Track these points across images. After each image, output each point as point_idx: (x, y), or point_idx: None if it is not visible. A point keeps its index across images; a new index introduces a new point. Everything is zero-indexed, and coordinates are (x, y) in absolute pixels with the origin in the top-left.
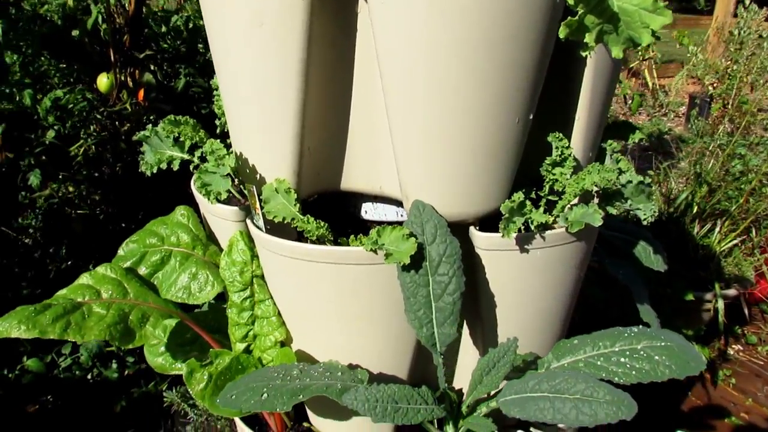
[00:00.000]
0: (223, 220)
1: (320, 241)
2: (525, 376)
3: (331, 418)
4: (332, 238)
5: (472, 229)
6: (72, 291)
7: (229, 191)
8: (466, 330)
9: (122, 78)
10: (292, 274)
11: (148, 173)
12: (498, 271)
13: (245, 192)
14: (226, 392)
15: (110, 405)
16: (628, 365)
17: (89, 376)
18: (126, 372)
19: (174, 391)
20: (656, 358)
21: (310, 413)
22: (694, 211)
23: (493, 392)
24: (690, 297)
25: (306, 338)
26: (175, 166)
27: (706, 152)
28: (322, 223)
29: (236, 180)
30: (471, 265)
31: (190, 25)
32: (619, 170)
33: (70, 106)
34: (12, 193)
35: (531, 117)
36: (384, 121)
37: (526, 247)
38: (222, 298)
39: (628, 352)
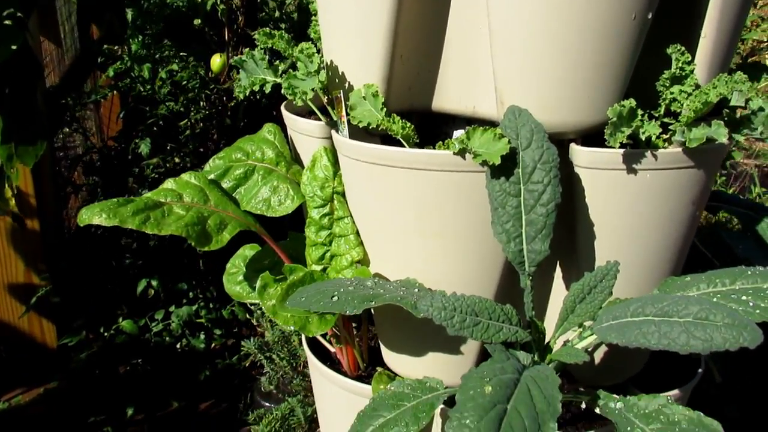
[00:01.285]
0: (307, 137)
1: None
2: (626, 301)
3: (406, 354)
4: (418, 141)
5: (573, 145)
6: (155, 193)
7: (315, 99)
8: (558, 274)
9: (233, 56)
10: (372, 182)
11: (241, 96)
12: (600, 195)
13: (332, 107)
14: (297, 295)
15: (195, 373)
16: (751, 303)
17: (178, 345)
18: (213, 345)
19: (252, 341)
20: None
21: (384, 352)
22: None
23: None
24: None
25: (383, 260)
26: (267, 89)
27: None
28: (408, 124)
29: (324, 94)
30: (569, 190)
31: (303, 6)
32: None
33: (184, 82)
34: (123, 159)
35: (650, 17)
36: (484, 32)
37: (634, 166)
38: (302, 226)
39: (751, 291)
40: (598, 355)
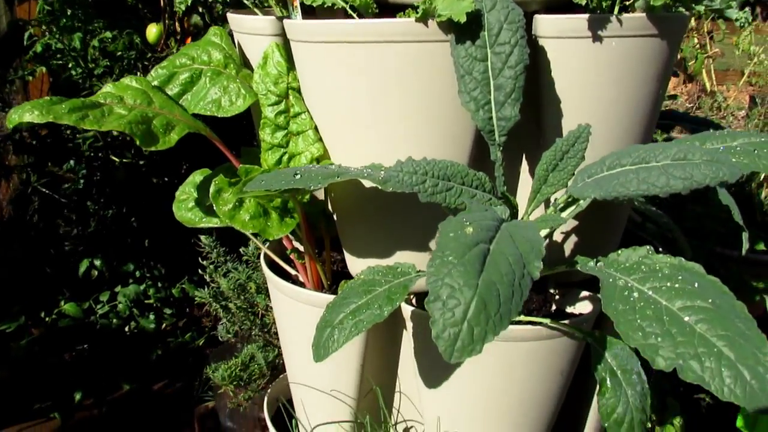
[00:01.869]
0: (257, 36)
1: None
2: (599, 160)
3: (374, 258)
4: (377, 12)
5: (536, 15)
6: (93, 97)
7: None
8: (526, 162)
9: (171, 26)
10: (328, 67)
11: (183, 8)
12: (565, 66)
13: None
14: (256, 180)
15: (146, 355)
16: None
17: (127, 329)
18: (164, 325)
19: (206, 290)
20: (756, 152)
21: (350, 261)
22: (761, 176)
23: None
24: (761, 247)
25: (346, 153)
26: None
27: None
28: None
29: None
30: (533, 65)
31: None
32: None
33: (119, 53)
34: (57, 136)
35: None
36: None
37: (599, 33)
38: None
39: (722, 149)
40: (571, 236)
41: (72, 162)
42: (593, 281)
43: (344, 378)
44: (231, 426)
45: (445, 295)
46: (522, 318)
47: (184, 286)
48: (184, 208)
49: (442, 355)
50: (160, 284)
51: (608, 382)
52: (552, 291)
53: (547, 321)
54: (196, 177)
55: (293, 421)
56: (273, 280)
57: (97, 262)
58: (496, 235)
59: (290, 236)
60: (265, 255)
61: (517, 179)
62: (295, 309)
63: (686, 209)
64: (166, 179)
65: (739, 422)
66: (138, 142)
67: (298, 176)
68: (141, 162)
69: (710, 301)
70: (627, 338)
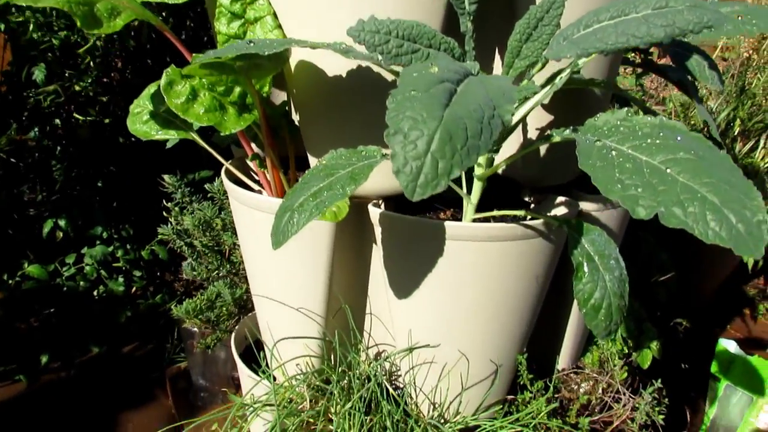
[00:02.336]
0: None
1: None
2: (576, 20)
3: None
4: None
5: None
6: None
7: None
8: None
9: None
10: None
11: None
12: None
13: None
14: (206, 54)
15: (115, 317)
16: None
17: (96, 293)
18: (134, 288)
19: (169, 226)
20: (741, 18)
21: (312, 162)
22: (736, 130)
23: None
24: None
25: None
26: None
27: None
28: None
29: None
30: None
31: None
32: None
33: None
34: (17, 92)
35: None
36: None
37: None
38: None
39: None
40: (544, 147)
41: (36, 131)
42: (570, 187)
43: (311, 295)
44: (203, 384)
45: (407, 127)
46: (495, 212)
47: (154, 248)
48: (139, 122)
49: (404, 191)
50: (128, 246)
51: (585, 266)
52: (527, 199)
53: (521, 212)
54: (151, 89)
55: (261, 353)
56: (232, 190)
57: (62, 223)
58: (465, 79)
59: (252, 143)
60: (227, 170)
61: (489, 60)
62: (256, 220)
63: None
64: (133, 139)
65: (714, 367)
66: (79, 24)
67: (252, 44)
68: (106, 120)
69: (693, 152)
70: (606, 191)
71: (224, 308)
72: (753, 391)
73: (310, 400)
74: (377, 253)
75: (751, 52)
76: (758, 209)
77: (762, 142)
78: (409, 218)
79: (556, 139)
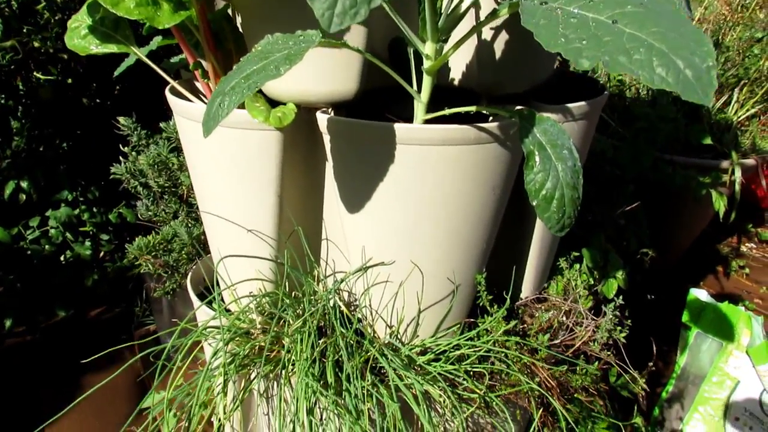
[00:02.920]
0: None
1: None
2: None
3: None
4: None
5: None
6: None
7: None
8: None
9: None
10: None
11: None
12: None
13: None
14: None
15: (82, 281)
16: None
17: (63, 258)
18: (101, 253)
19: (123, 165)
20: None
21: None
22: None
23: None
24: (708, 141)
25: None
26: None
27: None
28: None
29: None
30: None
31: None
32: None
33: None
34: None
35: None
36: None
37: None
38: None
39: None
40: (498, 48)
41: None
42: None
43: (261, 215)
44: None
45: None
46: (446, 111)
47: (121, 211)
48: (77, 36)
49: (320, 23)
50: (95, 209)
51: (536, 156)
52: (485, 112)
53: (472, 108)
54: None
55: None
56: (174, 104)
57: (24, 185)
58: None
59: (193, 50)
60: (172, 89)
61: None
62: (198, 133)
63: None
64: (98, 101)
65: (685, 317)
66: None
67: None
68: (69, 80)
69: (643, 5)
70: (548, 45)
71: (183, 252)
72: (723, 337)
73: (264, 327)
74: (330, 172)
75: (726, 9)
76: (708, 55)
77: (735, 95)
78: (356, 121)
79: (503, 12)
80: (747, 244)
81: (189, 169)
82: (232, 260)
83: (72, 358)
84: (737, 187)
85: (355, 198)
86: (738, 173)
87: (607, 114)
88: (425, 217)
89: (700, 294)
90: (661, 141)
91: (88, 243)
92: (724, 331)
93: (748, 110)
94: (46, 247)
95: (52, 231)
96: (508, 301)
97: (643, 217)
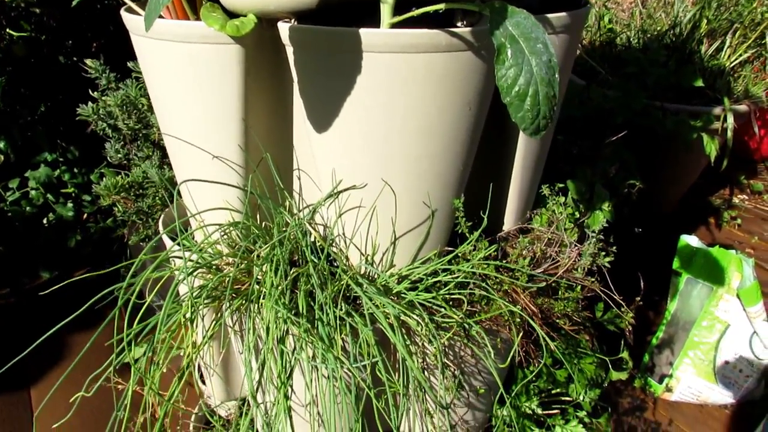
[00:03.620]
0: None
1: None
2: None
3: None
4: None
5: None
6: None
7: None
8: None
9: None
10: None
11: None
12: None
13: None
14: None
15: (65, 242)
16: None
17: (45, 220)
18: (84, 214)
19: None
20: None
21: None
22: (702, 31)
23: None
24: (699, 83)
25: None
26: None
27: None
28: None
29: None
30: None
31: None
32: None
33: None
34: None
35: None
36: None
37: None
38: None
39: None
40: None
41: None
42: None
43: (225, 139)
44: (157, 302)
45: None
46: (414, 12)
47: (103, 171)
48: None
49: None
50: (76, 170)
51: (508, 49)
52: (460, 24)
53: (441, 6)
54: None
55: (188, 229)
56: (128, 20)
57: (1, 144)
58: None
59: None
60: (128, 9)
61: None
62: (158, 53)
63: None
64: (75, 59)
65: (675, 263)
66: None
67: None
68: (43, 37)
69: None
70: None
71: (157, 198)
72: (713, 281)
73: (233, 260)
74: (297, 90)
75: None
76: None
77: (728, 40)
78: (317, 28)
79: None
80: (739, 196)
81: (149, 93)
82: (198, 192)
83: (57, 320)
84: (729, 134)
85: (322, 115)
86: (730, 119)
87: (598, 63)
88: (395, 134)
89: (690, 240)
90: (651, 84)
91: (70, 204)
92: (715, 275)
93: (740, 55)
94: (27, 208)
95: (33, 192)
96: (485, 221)
97: (632, 160)
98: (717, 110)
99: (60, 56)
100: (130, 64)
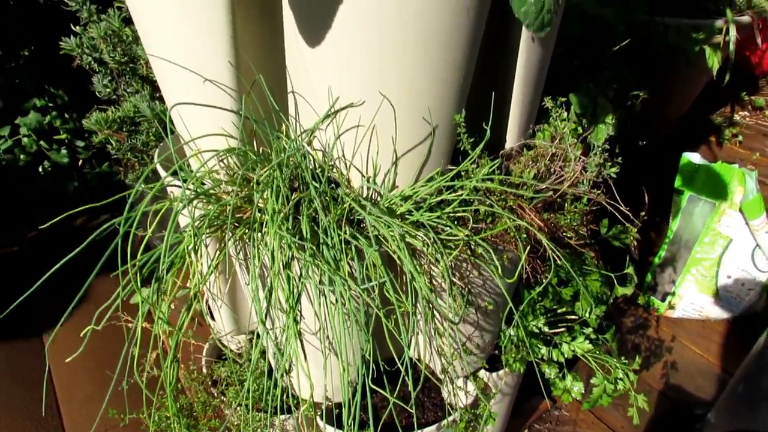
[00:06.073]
0: None
1: None
2: None
3: None
4: None
5: None
6: None
7: None
8: None
9: None
10: None
11: None
12: None
13: None
14: None
15: (63, 189)
16: None
17: (41, 168)
18: (79, 160)
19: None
20: None
21: None
22: None
23: None
24: None
25: None
26: None
27: None
28: None
29: None
30: None
31: None
32: None
33: None
34: None
35: None
36: None
37: None
38: None
39: None
40: None
41: None
42: None
43: (216, 62)
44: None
45: None
46: None
47: (94, 114)
48: None
49: None
50: (67, 115)
51: None
52: None
53: None
54: None
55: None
56: None
57: None
58: None
59: None
60: None
61: None
62: None
63: None
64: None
65: (677, 182)
66: None
67: None
68: None
69: None
70: None
71: (150, 133)
72: (716, 196)
73: (232, 188)
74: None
75: None
76: None
77: None
78: None
79: None
80: (740, 113)
81: (133, 18)
82: (192, 119)
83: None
84: (732, 47)
85: (315, 29)
86: (733, 31)
87: None
88: (392, 44)
89: (692, 157)
90: None
91: (64, 151)
92: (717, 190)
93: None
94: (21, 156)
95: (25, 140)
96: (488, 133)
97: (632, 78)
98: (719, 22)
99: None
100: None
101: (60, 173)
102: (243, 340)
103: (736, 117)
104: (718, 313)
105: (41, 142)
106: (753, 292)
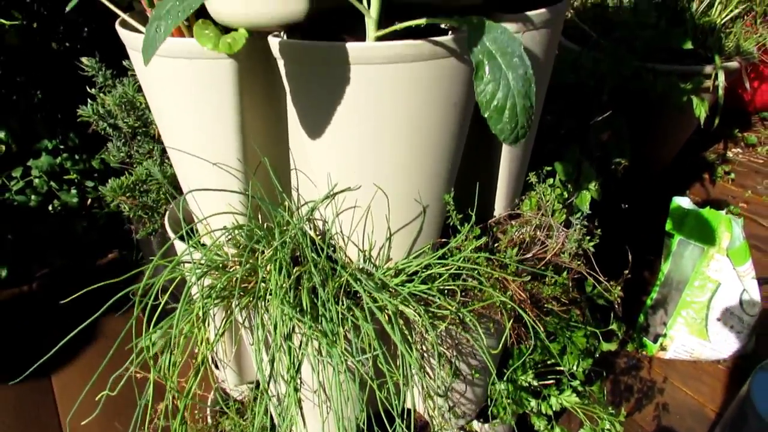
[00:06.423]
0: None
1: None
2: None
3: None
4: None
5: None
6: None
7: None
8: None
9: None
10: None
11: None
12: None
13: None
14: None
15: (72, 228)
16: None
17: (50, 207)
18: (88, 200)
19: (90, 107)
20: None
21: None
22: None
23: None
24: (689, 46)
25: None
26: None
27: None
28: None
29: None
30: None
31: None
32: None
33: None
34: None
35: None
36: None
37: None
38: None
39: None
40: None
41: None
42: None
43: (224, 147)
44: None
45: None
46: (397, 26)
47: (103, 157)
48: None
49: None
50: (77, 156)
51: (486, 65)
52: (444, 25)
53: (422, 20)
54: None
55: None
56: (124, 36)
57: (2, 135)
58: None
59: None
60: (122, 22)
61: None
62: (155, 67)
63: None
64: (67, 44)
65: (668, 225)
66: None
67: None
68: (34, 24)
69: None
70: None
71: (161, 192)
72: (704, 241)
73: (239, 260)
74: (290, 99)
75: None
76: None
77: None
78: (304, 43)
79: None
80: (733, 150)
81: (149, 104)
82: (203, 196)
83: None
84: (720, 92)
85: (315, 124)
86: (721, 77)
87: (589, 26)
88: (386, 139)
89: (682, 201)
90: (641, 48)
91: (73, 191)
92: (706, 235)
93: (731, 11)
94: (32, 197)
95: (36, 180)
96: (473, 217)
97: (623, 126)
98: (708, 69)
99: (52, 42)
100: (125, 63)
101: (69, 212)
102: (246, 389)
103: (729, 154)
104: (709, 355)
105: (52, 183)
106: (742, 335)
